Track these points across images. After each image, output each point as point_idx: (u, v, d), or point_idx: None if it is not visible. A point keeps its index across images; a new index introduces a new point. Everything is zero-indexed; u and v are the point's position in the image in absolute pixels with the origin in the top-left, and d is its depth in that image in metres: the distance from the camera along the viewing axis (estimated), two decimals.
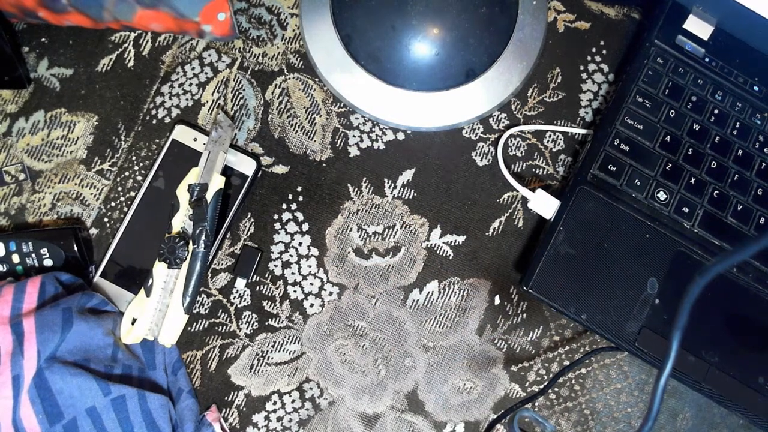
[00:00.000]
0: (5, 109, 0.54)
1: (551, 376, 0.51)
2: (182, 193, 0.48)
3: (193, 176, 0.49)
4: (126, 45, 0.55)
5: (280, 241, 0.52)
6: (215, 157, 0.49)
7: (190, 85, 0.54)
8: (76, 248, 0.49)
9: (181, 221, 0.48)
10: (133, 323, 0.47)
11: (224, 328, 0.51)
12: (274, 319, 0.51)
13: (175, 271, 0.47)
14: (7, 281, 0.45)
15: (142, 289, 0.47)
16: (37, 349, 0.41)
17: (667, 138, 0.51)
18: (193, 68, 0.55)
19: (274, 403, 0.50)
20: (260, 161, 0.53)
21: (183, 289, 0.47)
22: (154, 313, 0.47)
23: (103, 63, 0.55)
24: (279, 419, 0.50)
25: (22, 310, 0.43)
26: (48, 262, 0.49)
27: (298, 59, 0.55)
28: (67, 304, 0.44)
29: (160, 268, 0.47)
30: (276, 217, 0.53)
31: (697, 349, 0.47)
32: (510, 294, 0.52)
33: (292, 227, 0.52)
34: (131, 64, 0.55)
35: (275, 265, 0.52)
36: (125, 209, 0.52)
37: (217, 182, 0.48)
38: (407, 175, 0.53)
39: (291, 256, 0.52)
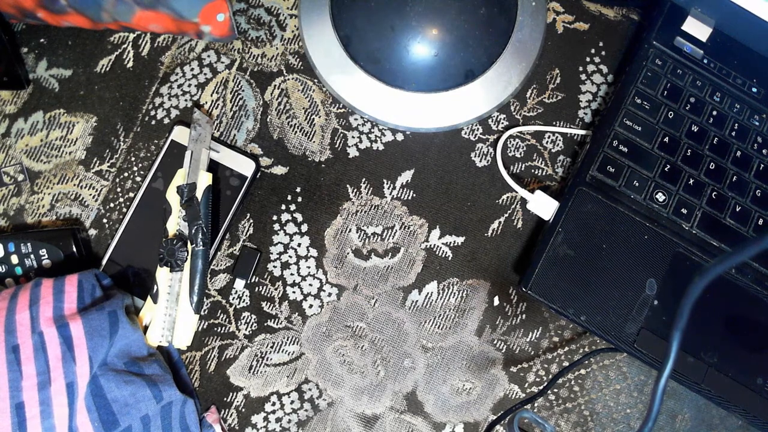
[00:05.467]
0: (4, 109, 0.54)
1: (550, 377, 0.51)
2: (172, 196, 0.48)
3: (180, 178, 0.49)
4: (125, 46, 0.55)
5: (279, 242, 0.52)
6: (198, 155, 0.50)
7: (189, 86, 0.54)
8: (74, 249, 0.49)
9: (175, 224, 0.48)
10: (144, 332, 0.47)
11: (223, 328, 0.51)
12: (273, 320, 0.51)
13: (178, 273, 0.47)
14: (33, 281, 0.45)
15: (149, 297, 0.47)
16: (88, 356, 0.41)
17: (666, 139, 0.51)
18: (192, 69, 0.55)
19: (273, 404, 0.50)
20: (259, 162, 0.53)
21: (189, 290, 0.47)
22: (164, 319, 0.47)
23: (102, 64, 0.54)
24: (278, 420, 0.50)
25: (64, 310, 0.43)
26: (47, 263, 0.48)
27: (297, 60, 0.55)
28: (111, 307, 0.44)
29: (162, 273, 0.47)
30: (275, 218, 0.52)
31: (696, 351, 0.47)
32: (509, 295, 0.52)
33: (291, 228, 0.52)
34: (130, 64, 0.55)
35: (274, 266, 0.52)
36: (124, 210, 0.52)
37: (204, 180, 0.49)
38: (406, 176, 0.53)
39: (290, 257, 0.52)
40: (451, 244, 0.52)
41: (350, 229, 0.52)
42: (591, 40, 0.56)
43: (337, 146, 0.54)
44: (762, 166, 0.51)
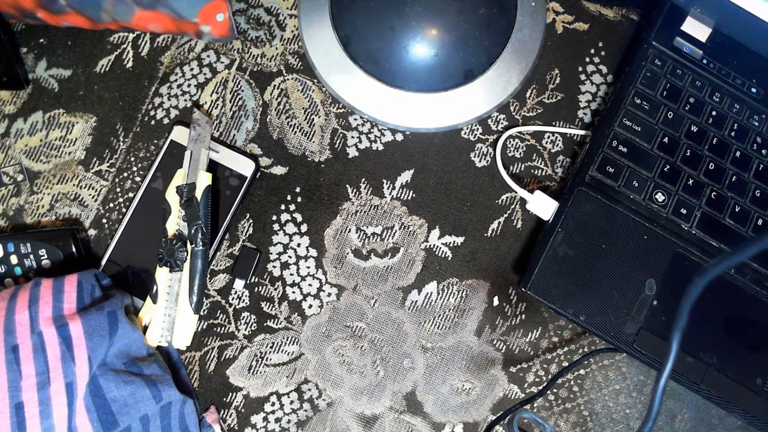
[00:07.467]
0: (3, 109, 0.54)
1: (550, 377, 0.51)
2: (172, 196, 0.48)
3: (179, 178, 0.49)
4: (124, 46, 0.55)
5: (278, 242, 0.52)
6: (198, 155, 0.50)
7: (189, 86, 0.54)
8: (74, 249, 0.49)
9: (175, 224, 0.48)
10: (144, 332, 0.47)
11: (223, 329, 0.51)
12: (272, 320, 0.51)
13: (178, 273, 0.47)
14: (32, 281, 0.45)
15: (149, 297, 0.47)
16: (87, 356, 0.41)
17: (665, 139, 0.51)
18: (191, 69, 0.55)
19: (273, 404, 0.50)
20: (259, 162, 0.53)
21: (188, 290, 0.47)
22: (164, 319, 0.47)
23: (102, 64, 0.54)
24: (277, 420, 0.50)
25: (64, 310, 0.43)
26: (46, 263, 0.48)
27: (297, 60, 0.55)
28: (111, 308, 0.44)
29: (162, 273, 0.47)
30: (275, 218, 0.52)
31: (696, 351, 0.47)
32: (509, 295, 0.52)
33: (290, 228, 0.52)
34: (130, 65, 0.55)
35: (274, 266, 0.52)
36: (124, 210, 0.52)
37: (204, 180, 0.49)
38: (406, 176, 0.53)
39: (290, 257, 0.52)
40: (451, 245, 0.52)
41: (350, 229, 0.52)
42: (591, 41, 0.56)
43: (336, 146, 0.54)
44: (761, 166, 0.51)
